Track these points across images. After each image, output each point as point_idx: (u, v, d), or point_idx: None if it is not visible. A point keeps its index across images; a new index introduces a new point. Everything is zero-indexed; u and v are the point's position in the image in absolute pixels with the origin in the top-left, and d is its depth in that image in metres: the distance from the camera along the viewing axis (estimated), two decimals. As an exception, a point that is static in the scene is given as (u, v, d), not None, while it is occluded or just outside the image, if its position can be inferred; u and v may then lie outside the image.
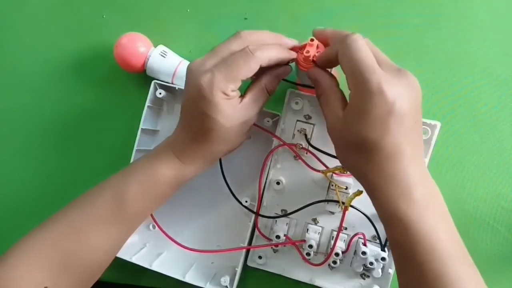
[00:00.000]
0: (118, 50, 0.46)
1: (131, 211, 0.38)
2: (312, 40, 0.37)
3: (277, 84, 0.39)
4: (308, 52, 0.37)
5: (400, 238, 0.32)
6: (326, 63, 0.36)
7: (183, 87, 0.45)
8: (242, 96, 0.37)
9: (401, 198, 0.31)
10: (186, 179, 0.39)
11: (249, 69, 0.34)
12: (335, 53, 0.34)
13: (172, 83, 0.46)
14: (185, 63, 0.47)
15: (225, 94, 0.35)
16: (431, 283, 0.30)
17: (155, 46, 0.47)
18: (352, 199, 0.41)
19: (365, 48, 0.32)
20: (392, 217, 0.32)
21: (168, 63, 0.46)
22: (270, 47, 0.36)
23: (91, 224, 0.37)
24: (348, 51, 0.32)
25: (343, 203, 0.42)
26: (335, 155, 0.37)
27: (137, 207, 0.38)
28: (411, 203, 0.31)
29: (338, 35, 0.36)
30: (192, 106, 0.36)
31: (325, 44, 0.38)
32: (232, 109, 0.35)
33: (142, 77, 0.48)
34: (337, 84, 0.36)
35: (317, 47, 0.37)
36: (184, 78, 0.45)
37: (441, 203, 0.33)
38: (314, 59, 0.37)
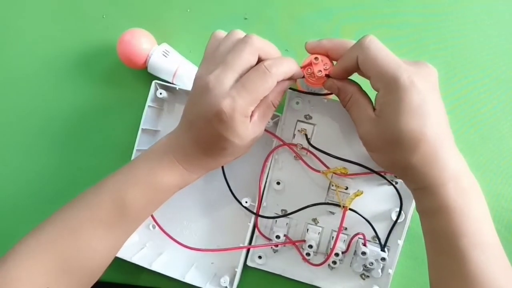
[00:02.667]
0: (121, 45, 0.46)
1: (132, 216, 0.38)
2: (316, 58, 0.37)
3: (282, 97, 0.39)
4: (320, 71, 0.37)
5: (444, 226, 0.32)
6: (343, 74, 0.37)
7: (183, 87, 0.45)
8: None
9: (450, 184, 0.32)
10: (187, 185, 0.39)
11: (268, 88, 0.34)
12: (353, 61, 0.34)
13: (172, 83, 0.46)
14: (186, 63, 0.47)
15: (245, 117, 0.34)
16: (472, 272, 0.31)
17: (159, 44, 0.47)
18: (352, 199, 0.41)
19: (384, 46, 0.33)
20: (440, 205, 0.33)
21: (169, 62, 0.46)
22: (283, 61, 0.35)
23: (91, 228, 0.37)
24: (370, 53, 0.33)
25: (343, 206, 0.42)
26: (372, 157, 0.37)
27: (138, 212, 0.38)
28: (460, 190, 0.32)
29: (342, 44, 0.36)
30: (206, 126, 0.35)
31: (325, 56, 0.38)
32: (246, 129, 0.35)
33: (144, 73, 0.48)
34: (361, 87, 0.37)
35: (322, 60, 0.37)
36: (184, 79, 0.46)
37: (481, 192, 0.34)
38: (327, 73, 0.37)
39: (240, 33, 0.36)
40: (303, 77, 0.38)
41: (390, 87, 0.32)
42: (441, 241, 0.33)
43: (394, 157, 0.34)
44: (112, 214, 0.37)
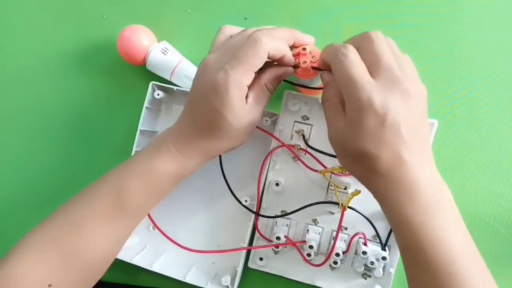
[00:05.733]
0: (121, 40, 0.46)
1: (131, 208, 0.38)
2: (304, 49, 0.37)
3: (277, 84, 0.39)
4: (305, 62, 0.37)
5: (409, 243, 0.32)
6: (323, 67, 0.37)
7: (181, 88, 0.45)
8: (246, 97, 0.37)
9: (405, 204, 0.32)
10: (186, 174, 0.39)
11: (259, 57, 0.34)
12: (328, 66, 0.35)
13: (170, 81, 0.46)
14: (185, 62, 0.47)
15: (239, 90, 0.35)
16: (442, 286, 0.31)
17: (159, 42, 0.47)
18: (350, 199, 0.41)
19: (355, 63, 0.32)
20: (399, 223, 0.33)
21: (168, 60, 0.46)
22: (277, 37, 0.35)
23: (92, 221, 0.37)
24: (339, 67, 0.33)
25: (342, 205, 0.42)
26: (338, 160, 0.37)
27: (137, 203, 0.38)
28: (416, 208, 0.32)
29: (330, 50, 0.35)
30: (203, 103, 0.36)
31: (316, 49, 0.38)
32: (242, 109, 0.36)
33: (143, 70, 0.48)
34: None
35: (310, 52, 0.37)
36: (182, 78, 0.46)
37: (450, 205, 0.33)
38: (312, 65, 0.37)
39: (250, 31, 0.36)
40: (294, 66, 0.38)
41: (352, 105, 0.32)
42: (408, 255, 0.33)
43: (354, 169, 0.35)
44: (112, 206, 0.37)
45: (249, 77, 0.35)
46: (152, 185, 0.38)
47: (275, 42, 0.35)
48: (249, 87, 0.37)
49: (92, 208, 0.37)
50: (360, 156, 0.32)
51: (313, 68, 0.37)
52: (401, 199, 0.32)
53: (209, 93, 0.35)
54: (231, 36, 0.38)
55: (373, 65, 0.32)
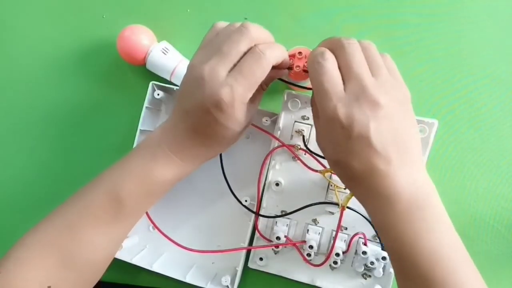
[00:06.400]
0: (121, 40, 0.46)
1: (128, 211, 0.38)
2: (300, 53, 0.37)
3: (271, 82, 0.39)
4: (298, 67, 0.37)
5: (392, 246, 0.32)
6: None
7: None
8: None
9: (384, 210, 0.32)
10: (183, 177, 0.39)
11: (263, 72, 0.34)
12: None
13: (170, 81, 0.46)
14: (185, 62, 0.47)
15: (243, 103, 0.34)
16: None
17: (159, 42, 0.47)
18: (349, 199, 0.41)
19: (327, 73, 0.32)
20: (381, 228, 0.33)
21: (168, 60, 0.46)
22: (276, 46, 0.36)
23: (88, 223, 0.37)
24: (313, 76, 0.33)
25: (341, 205, 0.42)
26: None
27: (133, 206, 0.38)
28: (396, 214, 0.31)
29: (310, 56, 0.35)
30: (205, 115, 0.34)
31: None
32: (243, 115, 0.35)
33: (143, 70, 0.48)
34: None
35: (305, 57, 0.38)
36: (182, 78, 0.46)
37: (434, 208, 0.32)
38: (304, 69, 0.38)
39: (238, 25, 0.36)
40: (288, 68, 0.38)
41: (321, 114, 0.32)
42: (392, 257, 0.33)
43: (337, 174, 0.35)
44: (108, 210, 0.37)
45: (253, 90, 0.35)
46: (149, 189, 0.38)
47: (277, 52, 0.35)
48: None
49: (89, 211, 0.37)
50: (336, 163, 0.33)
51: (305, 71, 0.38)
52: (380, 205, 0.32)
53: (212, 108, 0.34)
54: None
55: (345, 75, 0.32)
